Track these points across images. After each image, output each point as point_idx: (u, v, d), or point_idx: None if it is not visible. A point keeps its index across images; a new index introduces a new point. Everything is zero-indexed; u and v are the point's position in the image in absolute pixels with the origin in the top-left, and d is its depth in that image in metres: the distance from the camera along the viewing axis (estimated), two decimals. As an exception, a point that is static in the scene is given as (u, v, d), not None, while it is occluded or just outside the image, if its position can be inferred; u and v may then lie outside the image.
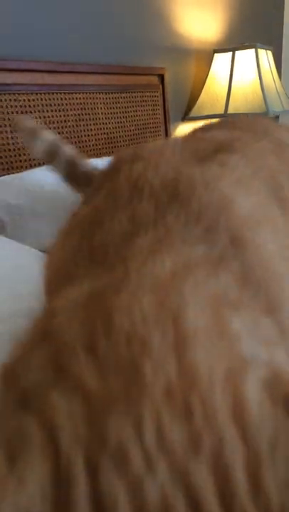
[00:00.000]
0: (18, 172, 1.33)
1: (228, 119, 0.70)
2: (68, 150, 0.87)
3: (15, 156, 1.34)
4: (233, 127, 0.64)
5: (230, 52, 2.07)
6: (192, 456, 0.19)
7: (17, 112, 1.33)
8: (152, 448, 0.19)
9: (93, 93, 1.57)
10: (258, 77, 2.01)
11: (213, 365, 0.22)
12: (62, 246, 0.44)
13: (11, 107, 1.32)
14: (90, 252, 0.38)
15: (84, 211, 0.46)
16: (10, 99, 1.32)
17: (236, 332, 0.25)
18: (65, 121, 1.48)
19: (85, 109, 1.55)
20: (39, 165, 1.40)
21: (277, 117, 2.50)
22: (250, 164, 0.46)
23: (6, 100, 1.31)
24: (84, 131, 1.55)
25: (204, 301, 0.27)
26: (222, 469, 0.19)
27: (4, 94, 1.30)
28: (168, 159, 0.47)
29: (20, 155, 1.36)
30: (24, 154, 1.37)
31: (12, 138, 1.33)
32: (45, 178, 1.09)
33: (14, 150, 1.34)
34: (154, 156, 0.48)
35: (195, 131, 0.70)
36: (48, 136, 0.87)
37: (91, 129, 1.58)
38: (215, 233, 0.35)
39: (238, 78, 2.06)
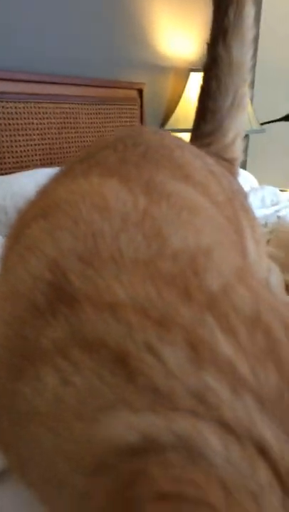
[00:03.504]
0: (1, 174, 1.43)
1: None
2: None
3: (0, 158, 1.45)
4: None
5: (206, 73, 2.22)
6: None
7: (4, 119, 1.44)
8: None
9: (76, 104, 1.69)
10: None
11: None
12: None
13: (-1, 113, 1.43)
14: None
15: None
16: (-1, 106, 1.42)
17: None
18: (48, 128, 1.59)
19: (67, 118, 1.66)
20: (21, 168, 1.51)
21: (246, 136, 2.67)
22: None
23: (-6, 106, 1.41)
24: (66, 138, 1.66)
25: None
26: None
27: (-7, 101, 1.40)
28: None
29: (4, 157, 1.46)
30: (8, 157, 1.47)
31: (-2, 142, 1.43)
32: (29, 183, 1.20)
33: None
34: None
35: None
36: None
37: (72, 137, 1.69)
38: None
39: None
